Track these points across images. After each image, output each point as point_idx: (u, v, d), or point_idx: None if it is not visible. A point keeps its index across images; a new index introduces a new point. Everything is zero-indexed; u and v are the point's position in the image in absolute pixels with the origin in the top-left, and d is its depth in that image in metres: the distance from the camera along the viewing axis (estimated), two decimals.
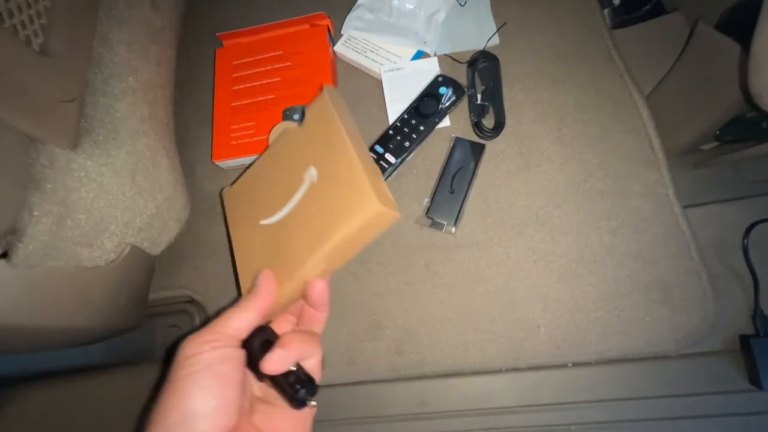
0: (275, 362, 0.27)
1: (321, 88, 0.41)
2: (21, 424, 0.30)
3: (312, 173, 0.37)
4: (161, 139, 0.42)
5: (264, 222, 0.36)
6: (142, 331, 0.55)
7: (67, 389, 0.33)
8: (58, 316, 0.31)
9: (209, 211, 0.57)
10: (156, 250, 0.43)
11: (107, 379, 0.39)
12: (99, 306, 0.35)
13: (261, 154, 0.44)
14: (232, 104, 0.58)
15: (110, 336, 0.40)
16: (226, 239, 0.55)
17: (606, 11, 0.63)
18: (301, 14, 0.58)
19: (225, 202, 0.43)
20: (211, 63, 0.62)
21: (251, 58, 0.60)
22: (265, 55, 0.59)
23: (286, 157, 0.40)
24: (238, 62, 0.60)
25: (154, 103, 0.41)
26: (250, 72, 0.59)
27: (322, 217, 0.34)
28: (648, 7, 0.63)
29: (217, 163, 0.56)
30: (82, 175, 0.31)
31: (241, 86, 0.59)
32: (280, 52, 0.59)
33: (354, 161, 0.34)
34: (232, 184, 0.44)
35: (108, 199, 0.33)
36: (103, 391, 0.36)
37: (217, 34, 0.61)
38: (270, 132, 0.52)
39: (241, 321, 0.28)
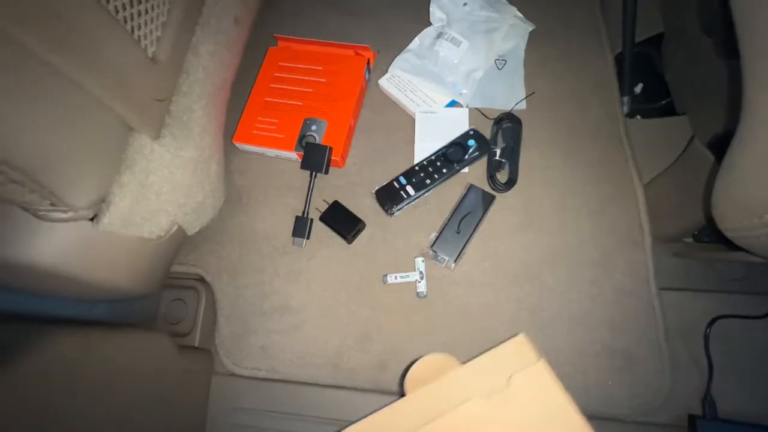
0: None
1: (519, 341, 0.31)
2: (44, 369, 0.34)
3: None
4: (218, 136, 0.48)
5: None
6: (148, 298, 0.59)
7: (85, 342, 0.38)
8: (109, 274, 0.35)
9: (236, 202, 0.62)
10: (191, 231, 0.48)
11: (119, 340, 0.43)
12: (141, 272, 0.40)
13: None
14: (266, 98, 0.64)
15: (134, 297, 0.45)
16: (247, 230, 0.60)
17: (626, 98, 0.70)
18: (353, 42, 0.65)
19: None
20: (257, 54, 0.67)
21: (295, 65, 0.66)
22: (308, 66, 0.65)
23: None
24: (284, 64, 0.66)
25: (219, 105, 0.47)
26: (290, 76, 0.65)
27: None
28: (664, 102, 0.70)
29: (234, 143, 0.62)
30: (160, 162, 0.36)
31: (279, 86, 0.65)
32: (321, 68, 0.65)
33: None
34: None
35: (173, 185, 0.38)
36: (114, 352, 0.40)
37: (275, 35, 0.67)
38: (410, 375, 0.35)
39: None
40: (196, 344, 0.57)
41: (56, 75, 0.27)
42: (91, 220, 0.34)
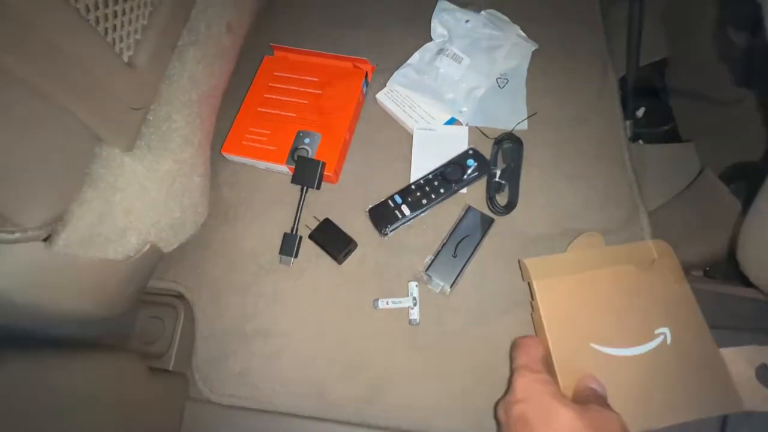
0: None
1: (656, 247, 0.44)
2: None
3: (667, 335, 0.39)
4: (203, 147, 0.45)
5: (596, 347, 0.39)
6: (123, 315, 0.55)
7: (47, 365, 0.34)
8: (71, 300, 0.32)
9: (223, 216, 0.59)
10: (168, 248, 0.45)
11: (81, 362, 0.39)
12: (108, 295, 0.37)
13: (583, 268, 0.43)
14: (258, 109, 0.61)
15: (101, 319, 0.41)
16: (232, 246, 0.57)
17: (628, 122, 0.68)
18: (351, 54, 0.63)
19: (534, 286, 0.44)
20: (251, 63, 0.65)
21: (291, 75, 0.64)
22: (303, 77, 0.63)
23: (625, 294, 0.42)
24: (279, 74, 0.64)
25: (206, 114, 0.44)
26: (284, 86, 0.63)
27: (671, 391, 0.37)
28: (667, 127, 0.69)
29: (223, 154, 0.59)
30: (131, 177, 0.33)
31: (272, 96, 0.62)
32: (317, 79, 0.63)
33: (717, 356, 0.38)
34: (542, 273, 0.44)
35: (145, 201, 0.35)
36: (75, 376, 0.37)
37: (272, 44, 0.65)
38: (575, 242, 0.49)
39: None
40: (171, 367, 0.53)
41: (6, 76, 0.24)
42: (46, 240, 0.30)
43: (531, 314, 0.47)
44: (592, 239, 0.48)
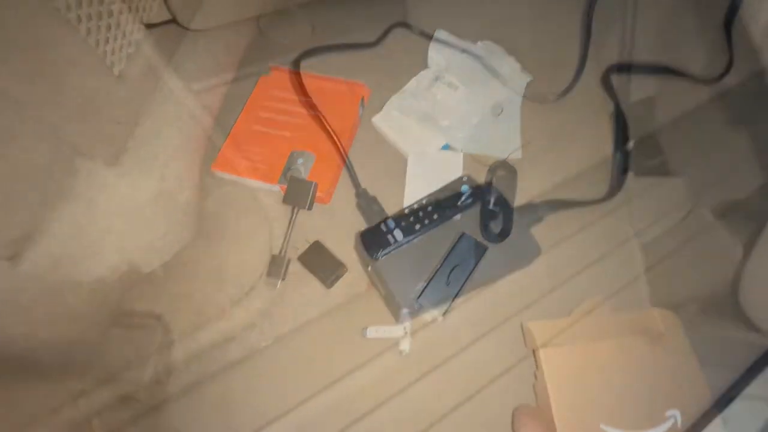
0: None
1: (663, 317, 0.42)
2: None
3: (677, 418, 0.38)
4: (192, 163, 0.44)
5: (606, 429, 0.37)
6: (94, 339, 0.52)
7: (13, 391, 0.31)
8: (37, 323, 0.29)
9: (209, 234, 0.57)
10: (148, 268, 0.43)
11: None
12: (78, 319, 0.34)
13: (589, 339, 0.42)
14: (253, 127, 0.61)
15: (67, 348, 0.38)
16: (217, 266, 0.55)
17: (618, 155, 0.69)
18: (348, 78, 0.63)
19: (540, 356, 0.43)
20: (248, 82, 0.64)
21: (287, 95, 0.63)
22: (300, 98, 0.63)
23: (635, 370, 0.40)
24: (275, 93, 0.63)
25: (197, 130, 0.43)
26: (280, 106, 0.62)
27: None
28: (657, 161, 0.70)
29: (213, 171, 0.57)
30: (112, 193, 0.32)
31: (267, 115, 0.62)
32: (313, 101, 0.62)
33: None
34: (547, 340, 0.43)
35: (128, 218, 0.33)
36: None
37: (270, 64, 0.65)
38: (579, 308, 0.48)
39: None
40: (144, 394, 0.49)
41: None
42: (12, 259, 0.28)
43: (534, 384, 0.45)
44: (594, 304, 0.47)
